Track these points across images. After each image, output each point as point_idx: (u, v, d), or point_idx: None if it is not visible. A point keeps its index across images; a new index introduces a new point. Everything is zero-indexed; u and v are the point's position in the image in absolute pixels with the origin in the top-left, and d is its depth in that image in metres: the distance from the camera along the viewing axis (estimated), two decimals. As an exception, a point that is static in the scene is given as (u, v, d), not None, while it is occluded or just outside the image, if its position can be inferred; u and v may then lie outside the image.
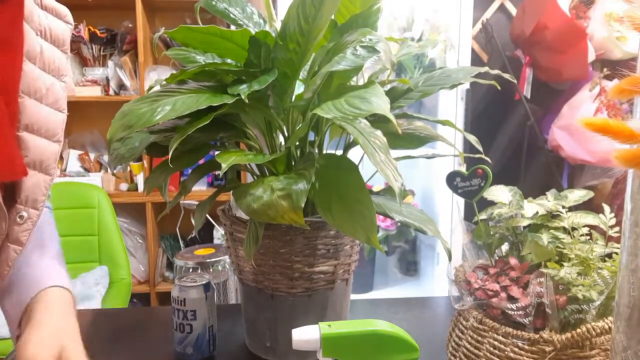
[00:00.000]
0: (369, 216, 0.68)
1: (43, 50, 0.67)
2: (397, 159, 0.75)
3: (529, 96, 2.12)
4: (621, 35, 1.91)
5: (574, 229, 0.73)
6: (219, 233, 2.46)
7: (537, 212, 0.76)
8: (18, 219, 0.66)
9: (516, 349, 0.67)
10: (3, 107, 0.60)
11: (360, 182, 0.70)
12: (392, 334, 0.60)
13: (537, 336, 0.66)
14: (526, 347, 0.67)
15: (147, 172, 2.44)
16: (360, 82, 0.87)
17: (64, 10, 0.72)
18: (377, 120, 0.72)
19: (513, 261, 0.74)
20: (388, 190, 0.88)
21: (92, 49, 2.43)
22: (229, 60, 0.78)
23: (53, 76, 0.68)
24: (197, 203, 0.92)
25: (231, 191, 0.80)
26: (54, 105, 0.68)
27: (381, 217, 0.76)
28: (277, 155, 0.74)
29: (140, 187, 2.47)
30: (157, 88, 0.76)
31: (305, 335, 0.60)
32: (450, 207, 2.07)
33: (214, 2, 0.81)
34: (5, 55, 0.61)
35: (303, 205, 0.65)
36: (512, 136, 2.36)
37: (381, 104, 0.60)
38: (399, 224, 2.05)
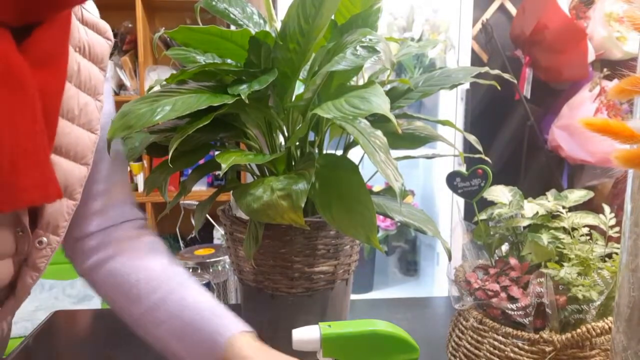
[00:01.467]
0: (368, 216, 0.68)
1: (80, 68, 0.64)
2: (397, 159, 0.75)
3: (529, 96, 2.12)
4: (621, 35, 1.91)
5: (574, 229, 0.73)
6: (219, 233, 2.46)
7: (537, 212, 0.76)
8: (37, 244, 0.63)
9: (516, 349, 0.67)
10: (43, 127, 0.57)
11: (360, 182, 0.70)
12: (392, 334, 0.60)
13: (537, 336, 0.66)
14: (526, 347, 0.67)
15: (147, 172, 2.44)
16: (360, 82, 0.87)
17: (105, 25, 0.69)
18: (377, 120, 0.72)
19: (513, 261, 0.74)
20: (388, 190, 0.89)
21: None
22: (229, 61, 0.78)
23: (89, 95, 0.65)
24: (197, 203, 0.92)
25: (231, 191, 0.80)
26: (85, 126, 0.65)
27: (381, 217, 0.76)
28: (277, 156, 0.74)
29: (140, 187, 2.47)
30: (157, 88, 0.76)
31: (305, 335, 0.60)
32: (450, 207, 2.07)
33: (214, 2, 0.81)
34: (50, 73, 0.59)
35: (303, 205, 0.65)
36: (512, 136, 2.36)
37: (381, 104, 0.60)
38: (399, 224, 2.05)
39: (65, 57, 0.61)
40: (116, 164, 0.74)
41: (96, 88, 0.66)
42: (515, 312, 0.67)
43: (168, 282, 0.68)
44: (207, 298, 0.67)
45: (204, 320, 0.64)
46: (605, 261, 0.71)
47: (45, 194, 0.58)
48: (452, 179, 0.83)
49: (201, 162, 0.85)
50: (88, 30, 0.66)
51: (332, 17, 0.76)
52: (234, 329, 0.63)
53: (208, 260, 1.53)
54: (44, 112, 0.57)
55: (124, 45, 2.46)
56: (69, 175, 0.63)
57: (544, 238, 0.73)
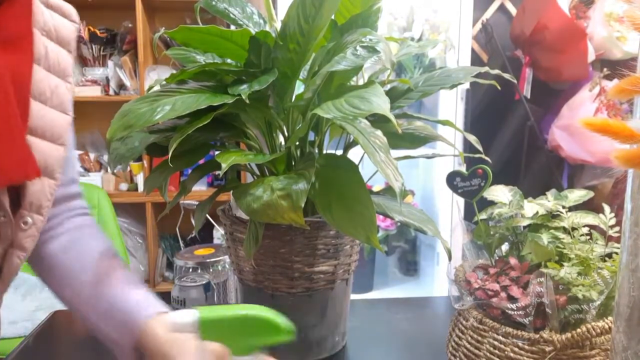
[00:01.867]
0: (368, 216, 0.68)
1: (48, 51, 0.65)
2: (397, 158, 0.75)
3: (529, 96, 2.12)
4: (621, 35, 1.90)
5: (574, 229, 0.73)
6: (219, 233, 2.46)
7: (537, 212, 0.76)
8: (22, 225, 0.64)
9: (516, 349, 0.67)
10: (15, 108, 0.58)
11: (360, 182, 0.70)
12: (262, 317, 0.61)
13: (537, 336, 0.66)
14: (526, 347, 0.67)
15: (147, 172, 2.44)
16: (360, 82, 0.87)
17: (70, 8, 0.70)
18: (377, 120, 0.72)
19: (513, 261, 0.74)
20: (388, 190, 0.89)
21: (92, 49, 2.43)
22: (229, 60, 0.78)
23: (58, 77, 0.66)
24: (197, 203, 0.93)
25: (231, 191, 0.80)
26: (58, 108, 0.66)
27: (381, 217, 0.76)
28: (277, 155, 0.74)
29: (140, 187, 2.47)
30: (157, 88, 0.76)
31: (181, 318, 0.60)
32: (450, 207, 2.07)
33: (214, 2, 0.81)
34: (17, 54, 0.60)
35: (303, 205, 0.65)
36: (512, 136, 2.36)
37: (381, 104, 0.60)
38: (398, 223, 2.05)
39: (29, 38, 0.62)
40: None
41: (65, 70, 0.68)
42: (515, 312, 0.67)
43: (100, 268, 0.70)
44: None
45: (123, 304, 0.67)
46: (605, 261, 0.71)
47: (25, 173, 0.60)
48: (452, 179, 0.83)
49: (201, 162, 0.85)
50: (53, 13, 0.67)
51: (332, 17, 0.76)
52: (150, 311, 0.65)
53: (208, 260, 1.53)
54: (16, 94, 0.58)
55: (124, 45, 2.46)
56: (47, 155, 0.64)
57: (544, 238, 0.73)
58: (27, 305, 1.98)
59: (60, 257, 0.71)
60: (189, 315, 0.60)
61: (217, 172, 0.91)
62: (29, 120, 0.62)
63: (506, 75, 0.82)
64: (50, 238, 0.72)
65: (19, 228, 0.64)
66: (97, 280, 0.69)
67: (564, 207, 0.76)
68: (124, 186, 2.50)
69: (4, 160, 0.57)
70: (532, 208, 0.77)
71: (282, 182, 0.68)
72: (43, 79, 0.64)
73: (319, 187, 0.72)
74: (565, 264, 0.69)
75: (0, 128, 0.57)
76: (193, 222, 0.90)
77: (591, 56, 1.92)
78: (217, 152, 0.70)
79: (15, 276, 0.68)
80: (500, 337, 0.69)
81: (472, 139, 0.84)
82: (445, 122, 0.85)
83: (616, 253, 0.71)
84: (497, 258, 0.80)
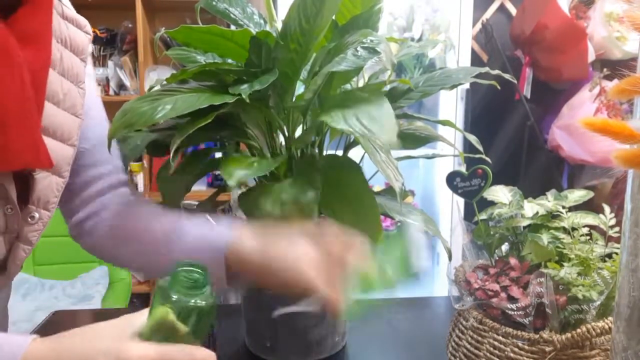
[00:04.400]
0: (373, 216, 0.68)
1: (63, 57, 0.69)
2: (398, 159, 0.75)
3: (529, 96, 2.12)
4: (621, 35, 1.91)
5: (574, 229, 0.73)
6: (219, 233, 2.45)
7: (537, 212, 0.76)
8: (29, 219, 0.66)
9: (516, 349, 0.67)
10: (32, 95, 0.61)
11: (363, 183, 0.70)
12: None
13: (537, 336, 0.66)
14: (526, 347, 0.67)
15: (147, 172, 2.44)
16: (361, 83, 0.87)
17: (84, 21, 0.74)
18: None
19: (513, 261, 0.75)
20: (388, 190, 0.89)
21: (92, 48, 2.43)
22: (229, 60, 0.78)
23: (71, 82, 0.70)
24: (197, 203, 0.93)
25: (236, 197, 0.80)
26: (70, 110, 0.69)
27: (381, 216, 0.76)
28: (279, 162, 0.74)
29: (140, 187, 2.47)
30: (157, 88, 0.76)
31: None
32: (450, 207, 2.07)
33: (214, 2, 0.81)
34: (36, 50, 0.63)
35: (316, 215, 0.65)
36: (512, 136, 2.36)
37: (389, 131, 0.59)
38: (399, 224, 2.05)
39: (48, 37, 0.66)
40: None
41: (78, 76, 0.71)
42: (515, 312, 0.67)
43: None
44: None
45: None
46: (605, 261, 0.71)
47: (37, 158, 0.62)
48: (452, 179, 0.83)
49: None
50: (68, 24, 0.71)
51: (333, 18, 0.76)
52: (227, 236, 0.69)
53: (208, 260, 1.53)
54: (32, 84, 0.61)
55: (124, 45, 2.46)
56: (57, 154, 0.67)
57: (544, 238, 0.73)
58: (27, 305, 1.98)
59: (125, 231, 0.76)
60: None
61: (217, 172, 0.91)
62: (43, 120, 0.65)
63: (506, 76, 0.82)
64: (102, 220, 0.76)
65: (26, 222, 0.67)
66: (171, 227, 0.72)
67: (564, 207, 0.76)
68: (123, 186, 2.50)
69: (18, 143, 0.59)
70: (532, 208, 0.77)
71: (289, 192, 0.68)
72: (56, 82, 0.67)
73: (322, 188, 0.72)
74: (565, 264, 0.69)
75: (15, 112, 0.59)
76: (193, 222, 0.90)
77: (591, 56, 1.92)
78: (218, 155, 0.70)
79: (20, 270, 0.71)
80: (500, 337, 0.69)
81: (472, 139, 0.84)
82: (445, 122, 0.85)
83: (616, 253, 0.71)
84: (497, 258, 0.80)
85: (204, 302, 0.50)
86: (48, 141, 0.65)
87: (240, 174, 0.66)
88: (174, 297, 0.49)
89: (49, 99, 0.66)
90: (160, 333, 0.49)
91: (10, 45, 0.59)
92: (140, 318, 0.51)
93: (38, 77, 0.63)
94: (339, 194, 0.70)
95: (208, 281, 0.51)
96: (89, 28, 0.75)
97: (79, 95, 0.71)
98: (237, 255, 0.67)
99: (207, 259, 0.64)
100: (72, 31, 0.71)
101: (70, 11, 0.72)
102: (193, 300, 0.50)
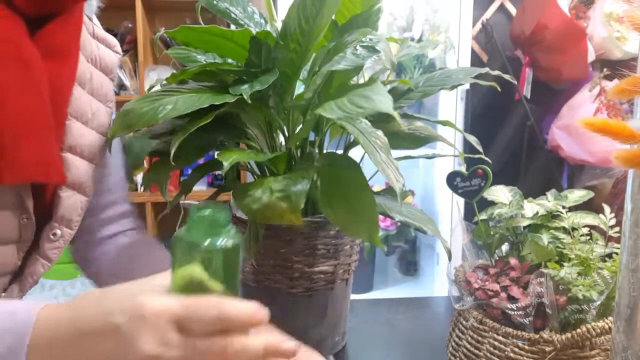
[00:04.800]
0: (371, 215, 0.68)
1: (93, 77, 0.69)
2: (398, 159, 0.75)
3: (529, 96, 2.12)
4: (621, 36, 1.90)
5: (574, 229, 0.73)
6: (219, 233, 2.45)
7: (537, 212, 0.76)
8: (52, 236, 0.66)
9: (516, 349, 0.67)
10: (49, 109, 0.60)
11: (362, 181, 0.70)
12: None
13: (537, 336, 0.66)
14: (526, 347, 0.67)
15: (147, 172, 2.44)
16: (361, 82, 0.87)
17: (114, 41, 0.76)
18: (378, 121, 0.72)
19: (513, 261, 0.75)
20: (388, 191, 0.89)
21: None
22: (229, 60, 0.78)
23: (99, 101, 0.71)
24: (197, 203, 0.93)
25: (231, 191, 0.80)
26: (98, 129, 0.70)
27: (381, 217, 0.76)
28: (278, 154, 0.74)
29: (140, 187, 2.47)
30: (157, 88, 0.76)
31: None
32: (450, 207, 2.07)
33: (215, 2, 0.81)
34: (60, 66, 0.63)
35: (302, 206, 0.65)
36: (512, 136, 2.36)
37: (384, 101, 0.60)
38: (399, 223, 2.05)
39: (75, 54, 0.66)
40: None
41: (107, 95, 0.72)
42: (516, 312, 0.67)
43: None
44: None
45: None
46: (605, 261, 0.71)
47: (46, 172, 0.61)
48: (452, 179, 0.83)
49: (201, 161, 0.85)
50: (99, 44, 0.72)
51: (333, 17, 0.76)
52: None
53: (208, 260, 1.53)
54: (52, 100, 0.60)
55: (124, 45, 2.46)
56: (82, 173, 0.67)
57: (544, 238, 0.73)
58: (27, 305, 1.98)
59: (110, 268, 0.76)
60: None
61: (217, 172, 0.91)
62: (70, 139, 0.65)
63: (506, 76, 0.82)
64: (102, 254, 0.77)
65: (47, 239, 0.66)
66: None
67: (564, 207, 0.76)
68: (123, 186, 2.50)
69: (27, 155, 0.58)
70: (532, 208, 0.77)
71: (281, 183, 0.68)
72: (86, 102, 0.68)
73: (320, 186, 0.72)
74: (565, 264, 0.69)
75: (30, 125, 0.58)
76: (193, 222, 0.90)
77: (591, 56, 1.92)
78: (217, 152, 0.70)
79: (36, 284, 0.70)
80: (500, 338, 0.69)
81: (472, 139, 0.84)
82: (445, 123, 0.85)
83: (616, 253, 0.71)
84: (497, 258, 0.80)
85: (232, 242, 0.44)
86: (75, 160, 0.65)
87: (235, 156, 0.66)
88: (199, 243, 0.43)
89: (78, 117, 0.66)
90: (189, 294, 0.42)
91: (32, 59, 0.58)
92: (161, 279, 0.45)
93: (61, 93, 0.63)
94: (338, 192, 0.70)
95: (230, 219, 0.46)
96: (118, 48, 0.76)
97: (106, 114, 0.71)
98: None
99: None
100: (103, 51, 0.72)
101: (101, 31, 0.74)
102: (221, 241, 0.44)
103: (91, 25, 0.71)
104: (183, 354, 0.40)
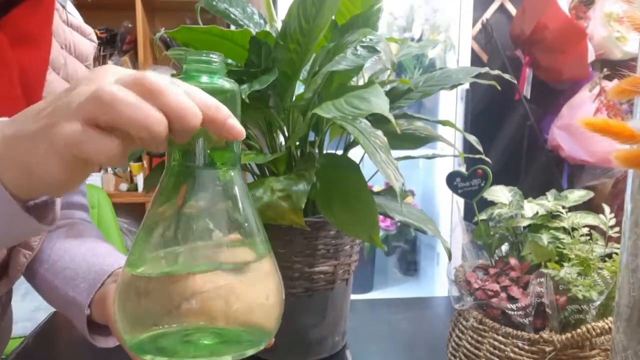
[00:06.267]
0: (370, 215, 0.68)
1: (67, 62, 0.69)
2: (398, 159, 0.75)
3: (529, 96, 2.12)
4: (621, 36, 1.91)
5: (574, 229, 0.73)
6: (219, 233, 2.45)
7: (537, 212, 0.76)
8: None
9: (516, 349, 0.67)
10: (19, 94, 0.60)
11: (361, 181, 0.70)
12: None
13: (537, 336, 0.66)
14: (526, 347, 0.67)
15: (147, 172, 2.44)
16: (361, 82, 0.87)
17: (89, 29, 0.75)
18: (377, 121, 0.72)
19: (513, 261, 0.74)
20: (388, 191, 0.89)
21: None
22: (229, 60, 0.78)
23: None
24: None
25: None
26: None
27: (381, 217, 0.76)
28: (278, 155, 0.74)
29: (140, 187, 2.47)
30: (157, 88, 0.76)
31: None
32: (450, 207, 2.07)
33: (214, 2, 0.81)
34: (30, 52, 0.63)
35: (303, 206, 0.65)
36: (512, 136, 2.36)
37: (380, 104, 0.60)
38: (399, 224, 2.05)
39: (48, 40, 0.66)
40: None
41: None
42: (515, 312, 0.67)
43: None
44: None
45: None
46: (605, 261, 0.71)
47: None
48: (452, 179, 0.83)
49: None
50: (73, 31, 0.72)
51: (333, 17, 0.76)
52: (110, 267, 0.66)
53: (208, 260, 1.53)
54: (24, 88, 0.61)
55: (124, 45, 2.46)
56: None
57: (544, 238, 0.73)
58: (27, 305, 1.98)
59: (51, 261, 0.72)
60: None
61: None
62: None
63: (506, 76, 0.82)
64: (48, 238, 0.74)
65: None
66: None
67: (564, 208, 0.76)
68: (123, 186, 2.50)
69: None
70: (532, 208, 0.77)
71: (282, 183, 0.68)
72: (60, 87, 0.67)
73: (320, 187, 0.72)
74: (565, 264, 0.69)
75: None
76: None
77: (591, 56, 1.92)
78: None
79: (20, 275, 0.70)
80: (500, 338, 0.69)
81: (472, 139, 0.84)
82: (445, 123, 0.85)
83: (616, 253, 0.71)
84: (497, 258, 0.80)
85: (229, 85, 0.42)
86: None
87: None
88: (196, 81, 0.41)
89: None
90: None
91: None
92: None
93: (34, 78, 0.63)
94: (337, 192, 0.70)
95: (225, 64, 0.43)
96: (93, 36, 0.76)
97: None
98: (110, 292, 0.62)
99: (78, 285, 0.64)
100: (77, 38, 0.72)
101: (76, 20, 0.73)
102: (217, 83, 0.42)
103: (65, 13, 0.71)
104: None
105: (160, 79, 0.36)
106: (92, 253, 0.69)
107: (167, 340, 0.40)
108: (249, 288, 0.42)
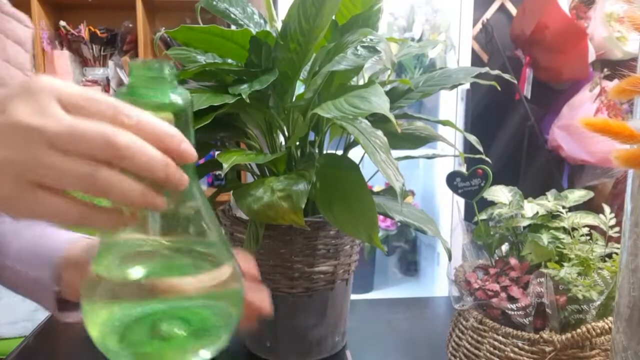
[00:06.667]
0: (370, 215, 0.68)
1: (7, 46, 0.74)
2: (398, 159, 0.75)
3: (529, 96, 2.12)
4: (621, 36, 1.91)
5: (574, 229, 0.73)
6: (219, 233, 2.45)
7: (537, 212, 0.76)
8: None
9: (516, 349, 0.67)
10: None
11: (361, 181, 0.70)
12: None
13: (537, 336, 0.66)
14: (526, 347, 0.67)
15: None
16: (361, 82, 0.87)
17: (23, 16, 0.79)
18: (377, 120, 0.72)
19: (513, 261, 0.74)
20: (389, 191, 0.89)
21: (92, 49, 2.43)
22: (229, 60, 0.78)
23: (17, 69, 0.74)
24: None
25: (231, 191, 0.80)
26: None
27: (381, 217, 0.76)
28: (278, 155, 0.74)
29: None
30: (157, 88, 0.76)
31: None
32: (450, 207, 2.07)
33: (214, 2, 0.81)
34: None
35: (303, 206, 0.65)
36: (512, 136, 2.36)
37: (381, 104, 0.60)
38: (399, 224, 2.05)
39: None
40: None
41: (23, 64, 0.76)
42: (515, 312, 0.67)
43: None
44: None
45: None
46: (605, 261, 0.71)
47: None
48: (452, 179, 0.83)
49: (201, 161, 0.85)
50: (9, 18, 0.76)
51: (333, 17, 0.76)
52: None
53: (208, 260, 1.53)
54: None
55: (124, 45, 2.46)
56: None
57: (544, 238, 0.73)
58: (27, 305, 1.98)
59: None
60: None
61: (217, 172, 0.91)
62: None
63: (506, 76, 0.82)
64: None
65: None
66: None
67: (564, 207, 0.76)
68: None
69: None
70: (532, 208, 0.77)
71: (283, 182, 0.68)
72: (3, 68, 0.72)
73: (320, 187, 0.72)
74: (565, 264, 0.69)
75: None
76: (193, 222, 0.90)
77: (591, 56, 1.92)
78: (217, 152, 0.70)
79: None
80: (500, 338, 0.69)
81: (473, 139, 0.84)
82: (445, 123, 0.85)
83: (616, 253, 0.71)
84: (497, 258, 0.80)
85: (181, 99, 0.39)
86: None
87: (234, 158, 0.66)
88: (144, 99, 0.37)
89: None
90: None
91: None
92: None
93: None
94: (337, 192, 0.70)
95: (175, 74, 0.40)
96: (29, 22, 0.79)
97: None
98: (74, 261, 0.63)
99: (39, 264, 0.64)
100: (14, 24, 0.76)
101: (10, 8, 0.77)
102: (168, 97, 0.38)
103: None
104: (63, 130, 0.35)
105: (108, 109, 0.35)
106: (40, 234, 0.69)
107: (137, 335, 0.41)
108: (209, 270, 0.44)
